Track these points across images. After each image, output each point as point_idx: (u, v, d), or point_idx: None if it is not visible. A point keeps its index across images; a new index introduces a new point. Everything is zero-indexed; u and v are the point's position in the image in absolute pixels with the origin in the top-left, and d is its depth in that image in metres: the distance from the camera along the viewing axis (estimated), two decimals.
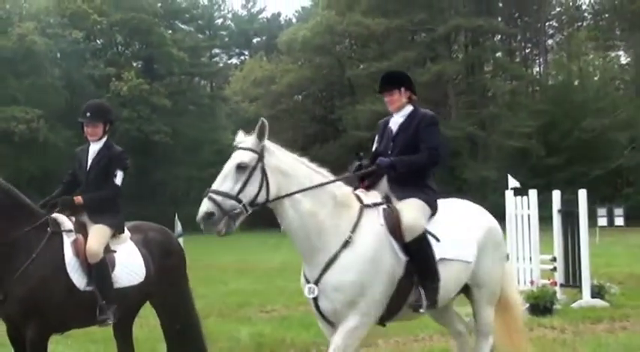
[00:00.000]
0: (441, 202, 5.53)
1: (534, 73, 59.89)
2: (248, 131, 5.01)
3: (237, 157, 4.81)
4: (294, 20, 67.39)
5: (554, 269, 11.49)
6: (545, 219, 11.69)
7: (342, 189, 5.14)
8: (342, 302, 4.86)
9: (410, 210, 5.14)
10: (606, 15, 55.16)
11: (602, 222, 25.82)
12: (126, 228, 6.15)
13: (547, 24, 58.15)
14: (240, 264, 21.04)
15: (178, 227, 24.44)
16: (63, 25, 48.74)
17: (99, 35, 53.17)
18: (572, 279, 11.26)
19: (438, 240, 5.22)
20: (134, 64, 54.33)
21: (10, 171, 37.28)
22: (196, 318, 6.61)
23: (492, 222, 5.86)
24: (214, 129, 51.61)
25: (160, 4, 55.89)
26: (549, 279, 11.53)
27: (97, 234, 5.80)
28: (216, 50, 67.08)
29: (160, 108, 49.61)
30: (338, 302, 4.87)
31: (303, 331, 8.54)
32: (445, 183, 38.76)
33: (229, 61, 69.67)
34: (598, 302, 10.75)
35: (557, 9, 58.53)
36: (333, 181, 5.11)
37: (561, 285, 11.34)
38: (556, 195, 11.71)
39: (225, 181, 4.73)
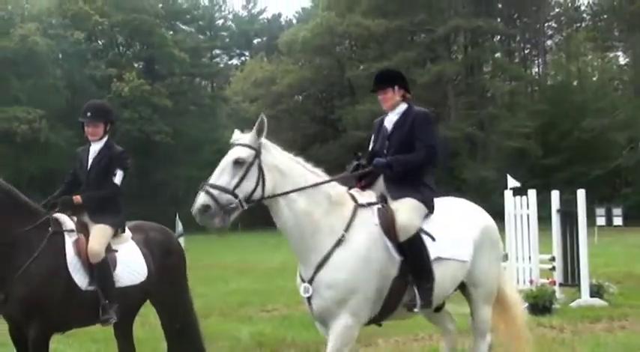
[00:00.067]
0: (438, 201, 5.48)
1: (533, 73, 60.05)
2: (247, 131, 5.03)
3: (235, 153, 4.82)
4: (294, 21, 67.56)
5: (553, 268, 11.48)
6: (544, 218, 11.70)
7: (336, 189, 5.14)
8: (333, 300, 4.85)
9: (405, 210, 5.12)
10: (605, 16, 55.24)
11: (601, 221, 25.90)
12: (127, 228, 6.15)
13: (546, 25, 58.30)
14: (240, 264, 21.05)
15: (179, 227, 24.59)
16: (64, 25, 48.80)
17: (100, 36, 53.27)
18: (571, 279, 11.26)
19: (433, 239, 5.19)
20: (135, 65, 54.48)
21: (11, 171, 37.43)
22: (195, 318, 6.62)
23: (489, 220, 5.82)
24: (215, 130, 51.69)
25: (161, 5, 56.09)
26: (548, 279, 11.53)
27: (99, 234, 5.80)
28: (217, 51, 67.30)
29: (161, 108, 49.74)
30: (330, 300, 4.85)
31: (303, 330, 8.46)
32: (444, 183, 38.94)
33: (230, 62, 69.96)
34: (597, 301, 10.75)
35: (556, 10, 58.68)
36: (329, 181, 5.11)
37: (560, 285, 11.33)
38: (555, 195, 11.68)
39: (222, 175, 4.74)
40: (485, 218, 5.80)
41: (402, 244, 5.02)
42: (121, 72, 49.58)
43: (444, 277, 5.21)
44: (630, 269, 15.76)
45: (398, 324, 7.07)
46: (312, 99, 58.30)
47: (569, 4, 58.00)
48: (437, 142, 5.47)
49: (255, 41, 70.76)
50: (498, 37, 56.76)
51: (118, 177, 6.02)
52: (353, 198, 5.15)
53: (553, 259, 11.49)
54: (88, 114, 6.05)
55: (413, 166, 5.29)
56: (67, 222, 5.80)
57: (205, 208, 4.63)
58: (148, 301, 6.42)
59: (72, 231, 5.77)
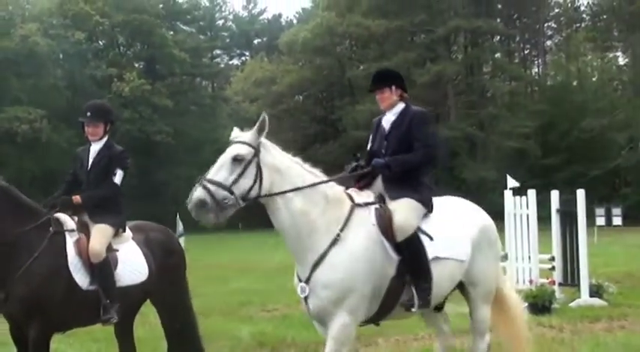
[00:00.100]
0: (436, 200, 5.45)
1: (533, 73, 60.20)
2: (247, 130, 5.03)
3: (235, 149, 4.81)
4: (294, 21, 67.63)
5: (553, 268, 11.45)
6: (543, 218, 11.68)
7: (333, 189, 5.12)
8: (330, 300, 4.83)
9: (402, 211, 5.10)
10: (604, 16, 55.26)
11: (601, 221, 25.95)
12: (128, 228, 6.14)
13: (546, 25, 58.43)
14: (241, 264, 21.07)
15: (180, 226, 24.64)
16: (65, 26, 48.91)
17: (101, 36, 53.41)
18: (571, 278, 11.22)
19: (431, 238, 5.17)
20: (136, 65, 54.68)
21: (13, 171, 37.55)
22: (194, 317, 6.62)
23: (487, 219, 5.77)
24: (215, 130, 51.74)
25: (161, 6, 56.23)
26: (548, 278, 11.51)
27: (100, 234, 5.79)
28: (218, 51, 67.47)
29: (162, 108, 49.86)
30: (326, 299, 4.84)
31: (303, 330, 8.38)
32: (444, 183, 39.10)
33: (230, 62, 70.14)
34: (596, 301, 10.71)
35: (556, 10, 58.79)
36: (326, 181, 5.09)
37: (560, 284, 11.31)
38: (554, 195, 11.64)
39: (219, 171, 4.73)
40: (483, 217, 5.77)
41: (400, 244, 5.01)
42: (121, 72, 49.70)
43: (441, 276, 5.19)
44: (630, 269, 15.76)
45: (398, 324, 7.06)
46: (313, 99, 58.42)
47: (569, 5, 58.12)
48: (435, 142, 5.48)
49: (255, 41, 70.86)
50: (498, 37, 56.88)
51: (118, 177, 6.01)
52: (350, 197, 5.14)
53: (552, 259, 11.47)
54: (88, 114, 6.05)
55: (411, 166, 5.28)
56: (68, 221, 5.81)
57: (202, 203, 4.62)
58: (148, 301, 6.43)
59: (73, 230, 5.77)
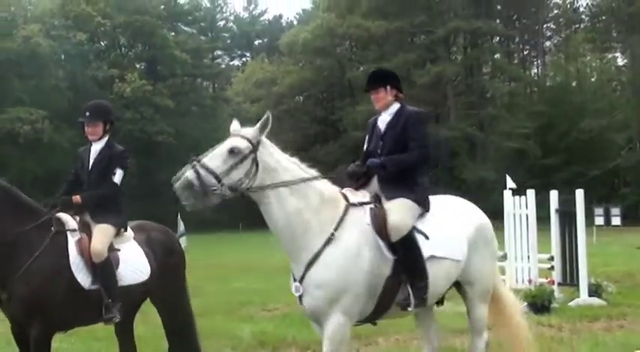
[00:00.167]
0: (432, 199, 5.41)
1: (532, 74, 60.33)
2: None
3: (233, 141, 4.80)
4: (295, 22, 67.73)
5: (552, 268, 11.46)
6: (543, 218, 11.66)
7: (328, 189, 5.08)
8: (323, 299, 4.81)
9: (397, 211, 5.06)
10: (603, 17, 55.33)
11: (600, 221, 26.14)
12: (129, 228, 6.13)
13: (545, 26, 58.61)
14: (241, 263, 21.09)
15: (181, 226, 24.81)
16: (67, 27, 49.04)
17: (102, 37, 53.57)
18: (570, 278, 11.20)
19: (427, 237, 5.14)
20: (137, 66, 54.82)
21: (15, 171, 37.79)
22: (193, 317, 6.61)
23: (483, 218, 5.71)
24: (216, 130, 51.64)
25: (162, 7, 56.33)
26: (547, 278, 11.53)
27: (101, 234, 5.77)
28: (219, 52, 67.62)
29: (163, 109, 49.99)
30: (320, 299, 4.81)
31: (304, 329, 8.21)
32: (444, 184, 39.25)
33: (231, 63, 70.30)
34: (595, 300, 10.68)
35: (555, 11, 58.91)
36: (316, 178, 5.04)
37: (559, 284, 11.29)
38: (554, 195, 11.65)
39: (214, 158, 4.72)
40: (479, 216, 5.71)
41: (395, 244, 4.98)
42: (123, 73, 49.82)
43: (437, 276, 5.15)
44: (628, 268, 15.77)
45: (398, 323, 7.06)
46: (313, 99, 58.58)
47: (568, 6, 58.21)
48: (430, 142, 5.45)
49: (256, 42, 71.00)
50: (498, 38, 57.09)
51: (118, 177, 6.00)
52: (345, 197, 5.11)
53: (552, 259, 11.48)
54: (87, 114, 6.04)
55: (407, 166, 5.25)
56: (70, 221, 5.79)
57: (189, 184, 4.61)
58: (148, 300, 6.45)
59: (75, 230, 5.75)
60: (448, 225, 5.33)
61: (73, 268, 5.59)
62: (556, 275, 11.43)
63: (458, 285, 5.58)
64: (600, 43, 54.58)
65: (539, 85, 58.47)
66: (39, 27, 46.32)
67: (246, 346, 8.24)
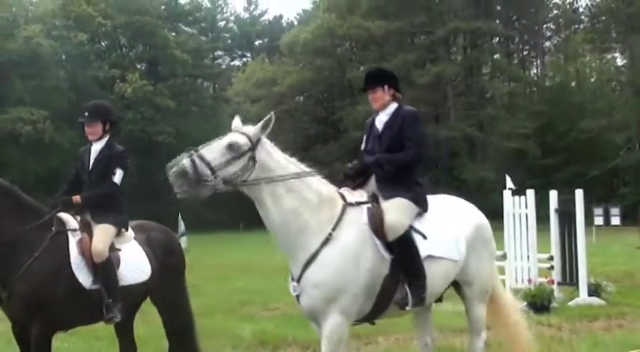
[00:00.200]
0: (430, 199, 5.40)
1: (532, 74, 60.43)
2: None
3: (233, 137, 4.82)
4: (295, 23, 67.85)
5: (552, 267, 11.46)
6: (542, 218, 11.67)
7: (327, 188, 5.09)
8: (321, 299, 4.81)
9: (394, 210, 5.06)
10: (603, 17, 55.41)
11: (599, 221, 26.28)
12: (130, 227, 6.15)
13: (544, 26, 58.73)
14: (242, 263, 21.12)
15: (181, 226, 24.98)
16: (68, 27, 49.14)
17: (103, 37, 53.67)
18: (569, 278, 11.21)
19: (424, 237, 5.14)
20: (138, 66, 54.90)
21: (16, 171, 37.87)
22: (192, 316, 6.63)
23: (481, 218, 5.70)
24: (217, 130, 50.88)
25: (163, 7, 56.42)
26: (546, 278, 11.49)
27: (102, 234, 5.78)
28: (219, 52, 67.75)
29: (164, 109, 50.09)
30: (317, 298, 4.82)
31: (304, 328, 8.13)
32: (444, 184, 39.42)
33: (232, 63, 70.38)
34: (595, 300, 10.69)
35: (555, 12, 59.05)
36: (309, 173, 5.05)
37: (558, 284, 11.29)
38: (553, 194, 11.66)
39: (211, 151, 4.73)
40: (477, 215, 5.70)
41: (391, 243, 4.97)
42: (123, 73, 49.92)
43: (435, 275, 5.15)
44: (628, 268, 15.80)
45: (398, 322, 7.07)
46: (313, 100, 58.64)
47: (568, 6, 58.35)
48: (426, 142, 5.58)
49: (256, 42, 71.14)
50: (497, 38, 57.17)
51: (118, 176, 5.99)
52: (343, 197, 5.11)
53: (551, 258, 11.50)
54: (86, 114, 6.05)
55: (403, 165, 5.25)
56: (71, 221, 5.78)
57: (184, 172, 4.62)
58: (148, 300, 6.47)
59: (75, 230, 5.76)
60: (446, 225, 5.33)
61: (74, 268, 5.61)
62: (555, 275, 11.45)
63: (456, 285, 5.59)
64: (600, 44, 54.65)
65: (538, 85, 58.55)
66: (40, 27, 46.42)
67: (247, 345, 8.28)
